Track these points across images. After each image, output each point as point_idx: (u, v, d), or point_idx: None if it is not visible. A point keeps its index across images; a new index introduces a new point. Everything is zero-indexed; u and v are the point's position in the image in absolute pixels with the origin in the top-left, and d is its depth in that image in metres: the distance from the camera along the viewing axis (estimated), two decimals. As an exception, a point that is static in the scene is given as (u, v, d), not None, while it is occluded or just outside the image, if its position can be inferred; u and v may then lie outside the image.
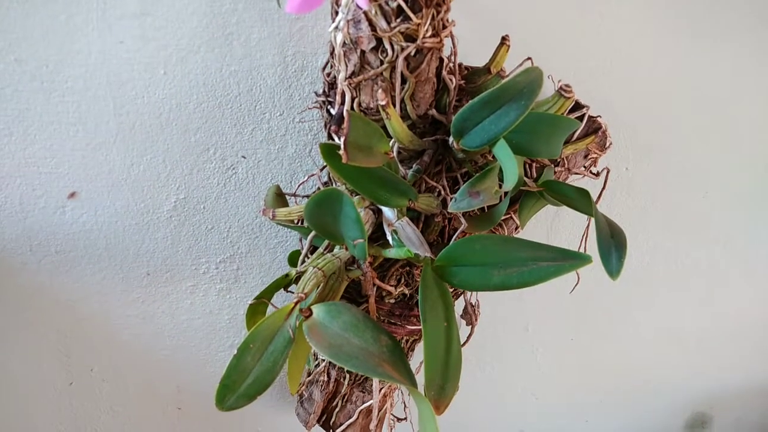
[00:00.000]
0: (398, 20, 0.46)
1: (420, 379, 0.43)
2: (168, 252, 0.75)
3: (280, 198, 0.64)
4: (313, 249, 0.60)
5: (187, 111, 0.69)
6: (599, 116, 0.63)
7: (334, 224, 0.47)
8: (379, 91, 0.48)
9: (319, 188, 0.67)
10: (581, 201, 0.53)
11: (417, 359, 0.68)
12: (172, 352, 0.82)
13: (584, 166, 0.66)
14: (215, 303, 0.80)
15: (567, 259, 0.44)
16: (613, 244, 0.49)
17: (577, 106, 0.62)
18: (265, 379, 0.44)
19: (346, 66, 0.50)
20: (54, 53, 0.64)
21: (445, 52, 0.53)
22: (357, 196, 0.55)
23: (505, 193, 0.53)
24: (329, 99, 0.58)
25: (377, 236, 0.56)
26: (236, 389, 0.43)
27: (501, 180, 0.50)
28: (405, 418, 0.78)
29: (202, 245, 0.76)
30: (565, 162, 0.63)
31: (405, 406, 0.79)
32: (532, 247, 0.46)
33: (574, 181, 0.64)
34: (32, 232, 0.71)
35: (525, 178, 0.57)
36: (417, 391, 0.41)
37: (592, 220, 0.52)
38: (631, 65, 0.78)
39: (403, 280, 0.61)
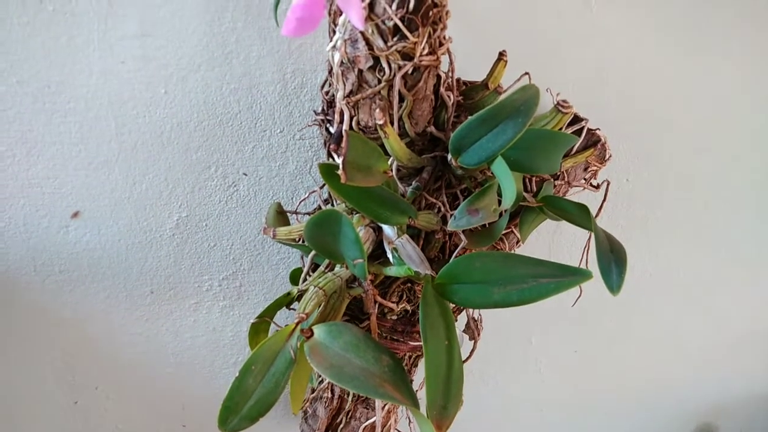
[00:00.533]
0: (395, 39, 0.46)
1: (422, 395, 0.43)
2: (171, 270, 0.75)
3: (281, 216, 0.64)
4: (314, 267, 0.60)
5: (188, 129, 0.69)
6: (598, 129, 0.63)
7: (334, 244, 0.48)
8: (377, 110, 0.48)
9: (319, 206, 0.67)
10: (581, 216, 0.52)
11: (421, 375, 0.68)
12: (176, 369, 0.82)
13: (584, 179, 0.66)
14: (218, 320, 0.80)
15: (567, 275, 0.44)
16: (612, 259, 0.49)
17: (576, 119, 0.62)
18: (267, 400, 0.44)
19: (344, 85, 0.50)
20: (56, 74, 0.64)
21: (443, 67, 0.54)
22: (357, 215, 0.55)
23: (504, 210, 0.53)
24: (328, 117, 0.58)
25: (378, 253, 0.56)
26: (239, 411, 0.43)
27: (500, 196, 0.50)
28: (409, 433, 0.78)
29: (205, 263, 0.76)
30: (565, 175, 0.63)
31: (409, 421, 0.79)
32: (532, 264, 0.45)
33: (575, 193, 0.64)
34: (36, 252, 0.71)
35: (524, 194, 0.57)
36: (419, 412, 0.41)
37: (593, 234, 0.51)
38: (629, 75, 0.78)
39: (404, 297, 0.61)
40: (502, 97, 0.55)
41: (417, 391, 0.44)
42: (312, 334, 0.45)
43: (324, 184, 0.66)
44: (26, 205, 0.69)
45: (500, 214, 0.54)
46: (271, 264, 0.78)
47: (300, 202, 0.70)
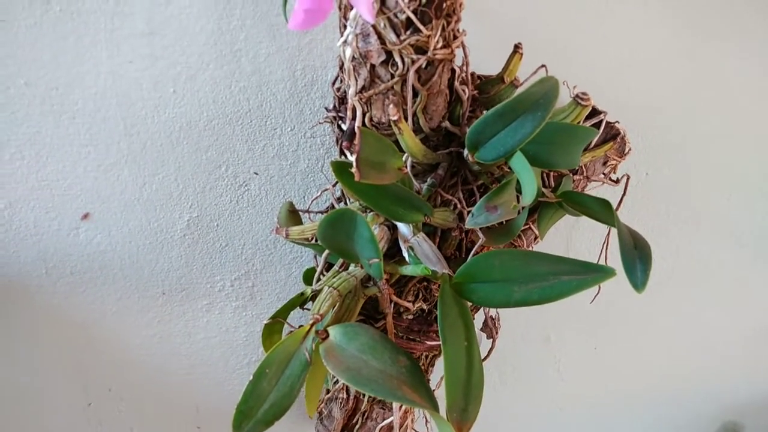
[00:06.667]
0: (408, 32, 0.45)
1: (439, 394, 0.42)
2: (183, 271, 0.75)
3: (293, 215, 0.63)
4: (328, 266, 0.59)
5: (197, 129, 0.68)
6: (617, 122, 0.62)
7: (349, 244, 0.46)
8: (390, 105, 0.47)
9: (332, 203, 0.66)
10: (602, 212, 0.51)
11: (437, 374, 0.67)
12: (189, 370, 0.81)
13: (603, 174, 0.64)
14: (231, 321, 0.79)
15: (589, 273, 0.42)
16: (637, 255, 0.48)
17: (594, 112, 0.60)
18: (282, 403, 0.43)
19: (356, 80, 0.49)
20: (63, 75, 0.63)
21: (457, 62, 0.52)
22: (371, 213, 0.54)
23: (523, 207, 0.52)
24: (340, 114, 0.57)
25: (393, 252, 0.55)
26: (253, 415, 0.42)
27: (519, 192, 0.49)
28: (426, 433, 0.77)
29: (217, 263, 0.75)
30: (584, 170, 0.62)
31: (426, 420, 0.78)
32: (553, 261, 0.44)
33: (593, 188, 0.63)
34: (47, 254, 0.71)
35: (543, 189, 0.56)
36: (439, 415, 0.40)
37: (612, 229, 0.50)
38: (647, 66, 0.76)
39: (420, 296, 0.60)
40: (520, 90, 0.53)
41: (434, 390, 0.43)
42: (327, 335, 0.44)
43: (337, 182, 0.65)
44: (36, 207, 0.68)
45: (519, 211, 0.52)
46: (284, 263, 0.77)
47: (312, 201, 0.69)
